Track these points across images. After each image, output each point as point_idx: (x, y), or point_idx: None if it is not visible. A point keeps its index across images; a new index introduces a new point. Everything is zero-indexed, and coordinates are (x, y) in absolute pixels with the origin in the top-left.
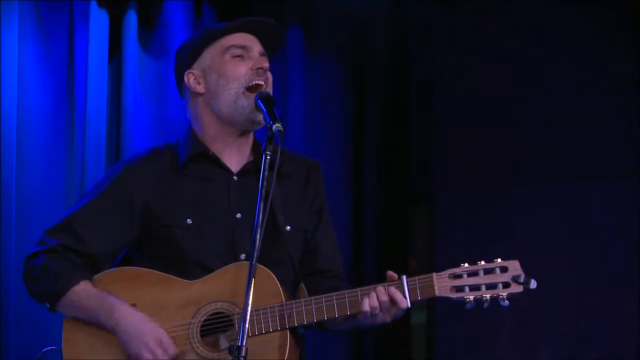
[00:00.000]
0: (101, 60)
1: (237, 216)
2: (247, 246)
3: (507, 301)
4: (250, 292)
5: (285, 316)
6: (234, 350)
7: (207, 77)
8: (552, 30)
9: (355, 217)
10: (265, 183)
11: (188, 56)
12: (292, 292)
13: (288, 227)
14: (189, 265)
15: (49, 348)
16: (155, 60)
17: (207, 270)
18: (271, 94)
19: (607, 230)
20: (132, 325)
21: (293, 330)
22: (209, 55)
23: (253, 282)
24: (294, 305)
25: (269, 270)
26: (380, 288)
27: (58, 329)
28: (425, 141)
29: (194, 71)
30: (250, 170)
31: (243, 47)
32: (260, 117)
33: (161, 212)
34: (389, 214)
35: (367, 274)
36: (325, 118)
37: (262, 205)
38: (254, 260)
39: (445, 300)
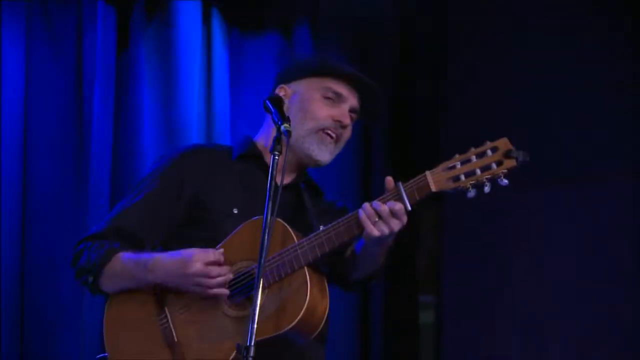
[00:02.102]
0: (109, 60)
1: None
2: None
3: (505, 180)
4: (258, 293)
5: (300, 254)
6: (242, 349)
7: (293, 102)
8: (562, 29)
9: None
10: (273, 183)
11: (294, 72)
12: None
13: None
14: None
15: (101, 356)
16: (162, 61)
17: None
18: (278, 94)
19: (616, 230)
20: (171, 265)
21: (315, 270)
22: (306, 84)
23: (248, 232)
24: (305, 242)
25: (282, 221)
26: (377, 203)
27: (67, 328)
28: (433, 139)
29: (286, 88)
30: (292, 187)
31: (338, 95)
32: (320, 156)
33: (208, 199)
34: None
35: None
36: None
37: (269, 205)
38: (263, 259)
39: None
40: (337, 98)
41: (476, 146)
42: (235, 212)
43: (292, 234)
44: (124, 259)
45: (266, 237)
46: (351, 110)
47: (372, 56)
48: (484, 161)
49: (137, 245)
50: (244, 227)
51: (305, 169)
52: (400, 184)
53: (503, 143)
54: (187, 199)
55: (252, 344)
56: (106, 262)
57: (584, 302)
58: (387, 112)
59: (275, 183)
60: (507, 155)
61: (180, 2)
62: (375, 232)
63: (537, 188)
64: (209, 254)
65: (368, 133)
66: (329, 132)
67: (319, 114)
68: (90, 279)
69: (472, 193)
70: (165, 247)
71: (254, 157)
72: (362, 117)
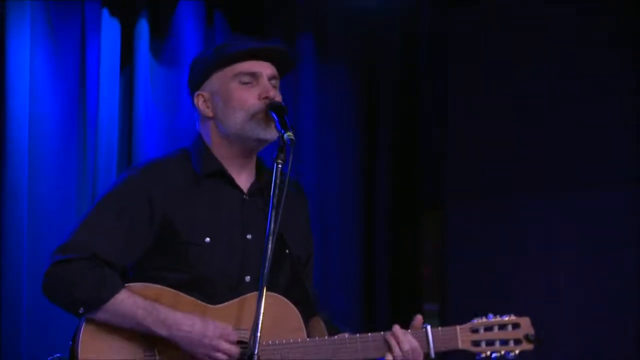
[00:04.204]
0: (113, 69)
1: (247, 237)
2: (254, 268)
3: (513, 356)
4: (261, 308)
5: (310, 352)
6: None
7: (215, 102)
8: (567, 36)
9: (366, 224)
10: (277, 190)
11: (199, 75)
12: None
13: (287, 250)
14: (198, 283)
15: (57, 355)
16: (166, 69)
17: (215, 289)
18: (282, 103)
19: (620, 238)
20: (190, 329)
21: None
22: (217, 80)
23: (274, 312)
24: (318, 343)
25: (293, 306)
26: (405, 337)
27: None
28: (437, 148)
29: (203, 93)
30: (256, 191)
31: (252, 74)
32: (268, 135)
33: (180, 226)
34: (401, 221)
35: (378, 281)
36: (336, 126)
37: (274, 213)
38: (265, 271)
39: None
40: (253, 77)
41: (499, 314)
42: (207, 241)
43: (303, 328)
44: (129, 301)
45: (269, 247)
46: (271, 78)
47: (376, 65)
48: (504, 335)
49: (111, 268)
50: (250, 297)
51: (261, 166)
52: (428, 327)
53: (525, 323)
54: (159, 222)
55: (257, 352)
56: (108, 299)
57: (589, 311)
58: (391, 120)
59: (242, 192)
60: (527, 338)
61: (184, 13)
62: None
63: (543, 195)
64: (232, 335)
65: (372, 141)
66: (262, 114)
67: (245, 101)
68: (82, 310)
69: (486, 355)
70: (134, 271)
71: (218, 173)
72: (285, 71)
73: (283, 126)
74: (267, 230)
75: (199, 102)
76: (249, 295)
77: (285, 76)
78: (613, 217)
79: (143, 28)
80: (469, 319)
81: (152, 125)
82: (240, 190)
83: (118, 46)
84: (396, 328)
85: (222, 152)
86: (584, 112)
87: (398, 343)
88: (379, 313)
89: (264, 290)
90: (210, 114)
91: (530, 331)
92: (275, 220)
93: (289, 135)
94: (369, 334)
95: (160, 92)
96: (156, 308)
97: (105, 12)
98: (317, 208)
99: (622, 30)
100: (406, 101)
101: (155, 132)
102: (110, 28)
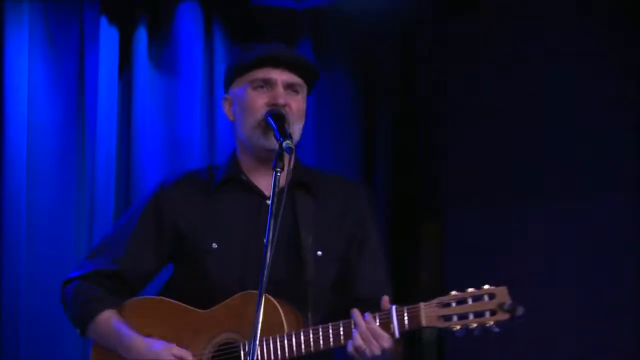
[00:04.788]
0: (111, 77)
1: (264, 241)
2: (273, 273)
3: (497, 328)
4: (260, 314)
5: (278, 348)
6: None
7: (235, 107)
8: (565, 44)
9: None
10: (275, 199)
11: (225, 79)
12: (312, 319)
13: (319, 252)
14: (209, 289)
15: None
16: (165, 77)
17: (229, 294)
18: (282, 111)
19: (619, 244)
20: (147, 355)
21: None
22: (237, 84)
23: (240, 305)
24: (285, 338)
25: (273, 300)
26: (361, 321)
27: (67, 344)
28: (436, 154)
29: (229, 97)
30: (280, 193)
31: (266, 81)
32: (272, 145)
33: (190, 237)
34: (399, 228)
35: None
36: (335, 133)
37: (272, 222)
38: (265, 277)
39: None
40: (267, 84)
41: (476, 286)
42: (215, 246)
43: (284, 323)
44: (105, 324)
45: (268, 253)
46: (288, 86)
47: (374, 70)
48: (479, 306)
49: (121, 283)
50: (237, 297)
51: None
52: (393, 308)
53: (501, 292)
54: (170, 236)
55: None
56: (89, 321)
57: (587, 318)
58: (390, 127)
59: (264, 197)
60: (502, 307)
61: (182, 19)
62: (350, 349)
63: (542, 203)
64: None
65: (371, 148)
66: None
67: (254, 106)
68: (79, 331)
69: (460, 332)
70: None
71: (235, 179)
72: (307, 78)
73: (282, 134)
74: (266, 239)
75: (225, 106)
76: (235, 295)
77: (314, 87)
78: (613, 223)
79: (141, 35)
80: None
81: (151, 133)
82: (260, 194)
83: (116, 53)
84: (355, 312)
85: (245, 158)
86: (584, 117)
87: (359, 330)
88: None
89: (262, 298)
90: (232, 118)
91: (507, 300)
92: (274, 229)
93: (287, 143)
94: (329, 324)
95: (159, 99)
96: (122, 334)
97: (103, 19)
98: None
99: (623, 37)
100: (404, 107)
101: (154, 140)
102: (108, 35)
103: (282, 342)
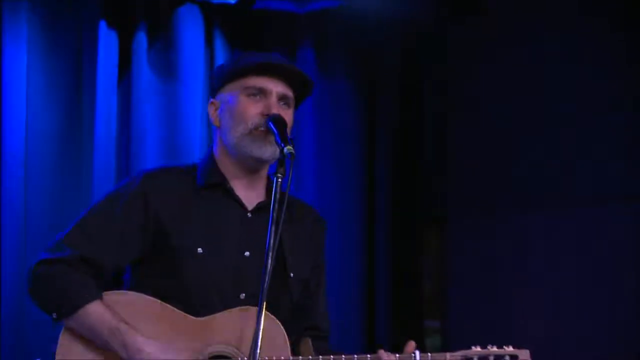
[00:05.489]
0: (110, 82)
1: (245, 254)
2: (250, 286)
3: None
4: (260, 330)
5: None
6: None
7: (222, 112)
8: (567, 53)
9: (366, 239)
10: (276, 205)
11: (215, 83)
12: (294, 341)
13: (291, 274)
14: (187, 294)
15: None
16: (165, 82)
17: (202, 303)
18: (284, 118)
19: (621, 254)
20: (147, 356)
21: None
22: (228, 90)
23: (241, 319)
24: None
25: (278, 322)
26: (391, 356)
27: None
28: (438, 163)
29: (215, 102)
30: (263, 209)
31: (261, 90)
32: (263, 154)
33: (173, 234)
34: (402, 237)
35: (378, 297)
36: (336, 141)
37: (273, 228)
38: (265, 287)
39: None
40: (261, 92)
41: (498, 346)
42: (200, 251)
43: (288, 346)
44: (98, 315)
45: (269, 262)
46: (281, 98)
47: (376, 78)
48: None
49: (98, 270)
50: (236, 311)
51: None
52: (417, 353)
53: (524, 355)
54: (153, 229)
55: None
56: (77, 308)
57: (590, 327)
58: (392, 135)
59: (245, 209)
60: None
61: (182, 24)
62: None
63: (543, 212)
64: None
65: (373, 156)
66: (262, 128)
67: (246, 113)
68: (54, 315)
69: None
70: (131, 276)
71: (220, 186)
72: (300, 92)
73: (283, 139)
74: (267, 245)
75: (211, 110)
76: (234, 309)
77: (303, 102)
78: (615, 233)
79: (141, 40)
80: (470, 336)
81: (151, 140)
82: (243, 207)
83: (116, 58)
84: (381, 352)
85: (227, 166)
86: (586, 122)
87: None
88: (379, 330)
89: (264, 306)
90: (217, 124)
91: None
92: (275, 235)
93: (288, 149)
94: (355, 355)
95: (158, 105)
96: (120, 330)
97: (102, 24)
98: None
99: (623, 46)
100: (406, 115)
101: (154, 147)
102: (107, 40)
103: None
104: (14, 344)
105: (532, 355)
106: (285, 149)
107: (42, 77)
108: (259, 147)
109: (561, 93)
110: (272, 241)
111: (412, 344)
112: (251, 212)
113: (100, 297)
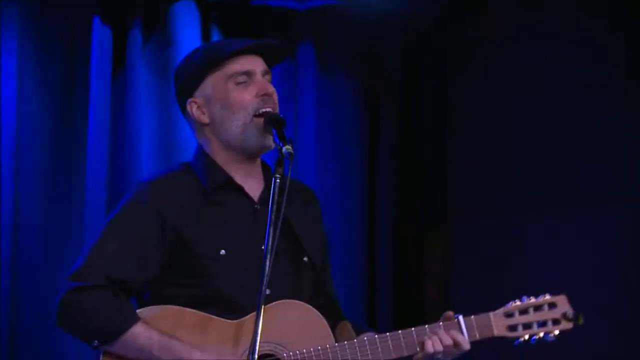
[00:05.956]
0: (104, 79)
1: (262, 248)
2: (273, 280)
3: (553, 337)
4: (260, 319)
5: (340, 357)
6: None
7: (211, 107)
8: (567, 53)
9: (368, 241)
10: (274, 207)
11: (189, 82)
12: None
13: (305, 258)
14: (218, 298)
15: None
16: (161, 79)
17: (235, 304)
18: (280, 114)
19: (625, 255)
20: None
21: None
22: (211, 84)
23: (300, 320)
24: (347, 348)
25: (318, 313)
26: (442, 330)
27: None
28: (440, 163)
29: (197, 100)
30: (267, 198)
31: (246, 73)
32: (271, 140)
33: (193, 241)
34: (404, 239)
35: (381, 299)
36: (337, 140)
37: (271, 230)
38: (264, 286)
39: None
40: (247, 75)
41: (535, 295)
42: (223, 253)
43: (331, 334)
44: (145, 335)
45: (267, 263)
46: (265, 73)
47: (377, 77)
48: (541, 316)
49: (127, 290)
50: (269, 308)
51: (268, 169)
52: (461, 317)
53: (562, 301)
54: (171, 239)
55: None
56: (123, 333)
57: (594, 329)
58: (394, 135)
59: (253, 201)
60: (566, 316)
61: (179, 21)
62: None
63: (547, 212)
64: None
65: (374, 156)
66: (265, 109)
67: (243, 100)
68: (96, 342)
69: (519, 342)
70: (150, 290)
71: (229, 183)
72: (276, 62)
73: (282, 139)
74: (265, 247)
75: (193, 110)
76: (269, 305)
77: (278, 64)
78: (618, 233)
79: (136, 36)
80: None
81: (146, 139)
82: (251, 199)
83: (110, 55)
84: (432, 326)
85: (224, 159)
86: (589, 123)
87: (440, 338)
88: (381, 332)
89: (262, 304)
90: (207, 120)
91: (569, 309)
92: (273, 237)
93: (287, 148)
94: (400, 331)
95: (154, 103)
96: (171, 344)
97: (96, 19)
98: None
99: (623, 46)
100: (408, 115)
101: (150, 145)
102: (101, 36)
103: (359, 349)
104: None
105: (569, 300)
106: (284, 149)
107: (34, 74)
108: (263, 136)
109: (564, 93)
110: (270, 243)
111: (449, 313)
112: (258, 203)
113: (139, 317)
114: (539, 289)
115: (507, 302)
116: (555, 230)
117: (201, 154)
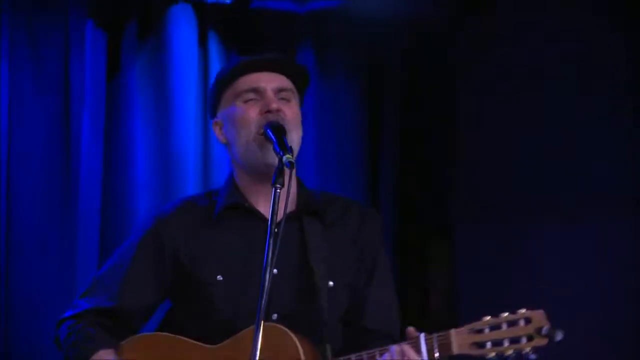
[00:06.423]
0: (99, 85)
1: (273, 272)
2: (282, 305)
3: (534, 355)
4: (259, 341)
5: None
6: None
7: (225, 128)
8: (570, 53)
9: None
10: (275, 217)
11: (210, 102)
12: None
13: (331, 283)
14: (215, 324)
15: None
16: (156, 85)
17: (237, 328)
18: (279, 123)
19: (633, 264)
20: None
21: None
22: (224, 104)
23: (272, 342)
24: None
25: (287, 331)
26: (396, 347)
27: None
28: (444, 172)
29: (217, 121)
30: (292, 219)
31: (255, 90)
32: (271, 159)
33: (193, 268)
34: (408, 247)
35: None
36: (337, 143)
37: (271, 241)
38: (263, 302)
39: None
40: (256, 93)
41: (510, 310)
42: (220, 279)
43: (301, 355)
44: None
45: (267, 275)
46: (280, 91)
47: (379, 80)
48: (514, 332)
49: (118, 318)
50: (248, 331)
51: (298, 192)
52: (422, 336)
53: (538, 317)
54: (170, 266)
55: None
56: (87, 358)
57: (601, 338)
58: (396, 140)
59: (273, 230)
60: (540, 332)
61: (174, 25)
62: None
63: (551, 221)
64: None
65: (376, 163)
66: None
67: (246, 118)
68: None
69: (491, 357)
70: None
71: (237, 205)
72: (298, 79)
73: (281, 148)
74: (265, 261)
75: (216, 130)
76: (248, 329)
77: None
78: (624, 242)
79: (131, 41)
80: None
81: (141, 145)
82: (266, 221)
83: (104, 60)
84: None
85: (245, 182)
86: (597, 134)
87: (390, 355)
88: None
89: (262, 324)
90: (224, 141)
91: (544, 324)
92: (273, 250)
93: (288, 157)
94: (364, 352)
95: (149, 109)
96: None
97: (90, 24)
98: None
99: (623, 46)
100: (411, 120)
101: (145, 152)
102: (95, 40)
103: None
104: None
105: (548, 316)
106: (284, 158)
107: (26, 80)
108: (264, 152)
109: (573, 99)
110: (269, 257)
111: (411, 329)
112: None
113: (107, 345)
114: (542, 291)
115: (513, 307)
116: (565, 237)
117: (228, 175)
